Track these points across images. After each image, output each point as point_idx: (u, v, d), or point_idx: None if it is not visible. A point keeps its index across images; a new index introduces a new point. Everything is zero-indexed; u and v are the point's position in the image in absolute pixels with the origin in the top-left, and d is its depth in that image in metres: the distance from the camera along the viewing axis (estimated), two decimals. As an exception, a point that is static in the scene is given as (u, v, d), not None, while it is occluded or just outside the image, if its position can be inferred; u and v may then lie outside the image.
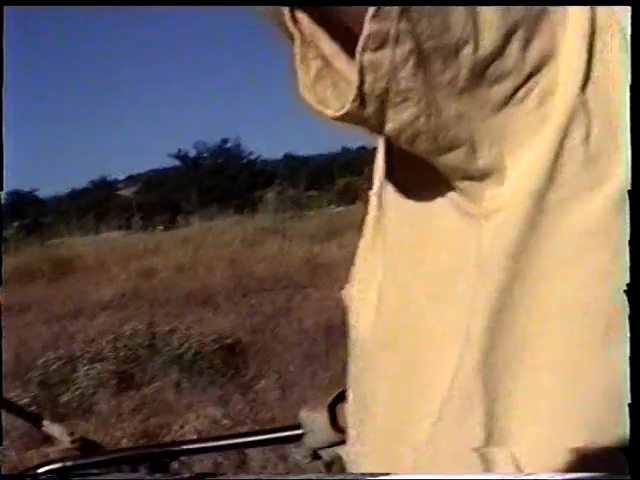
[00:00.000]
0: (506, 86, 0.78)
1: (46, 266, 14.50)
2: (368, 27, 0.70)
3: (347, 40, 0.77)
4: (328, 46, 0.80)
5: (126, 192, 45.29)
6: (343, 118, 0.77)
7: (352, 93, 0.74)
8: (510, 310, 0.85)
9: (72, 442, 2.08)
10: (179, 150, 39.70)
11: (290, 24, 0.79)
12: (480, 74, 0.76)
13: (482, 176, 0.84)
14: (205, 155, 39.56)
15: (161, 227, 25.27)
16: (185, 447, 1.98)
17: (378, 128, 0.79)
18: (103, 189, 45.05)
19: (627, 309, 0.76)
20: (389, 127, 0.78)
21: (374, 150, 1.10)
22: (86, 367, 7.38)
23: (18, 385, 7.20)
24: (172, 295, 11.18)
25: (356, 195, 23.75)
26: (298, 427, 1.60)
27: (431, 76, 0.75)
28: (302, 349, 7.62)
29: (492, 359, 0.86)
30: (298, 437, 1.63)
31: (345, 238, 13.68)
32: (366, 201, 1.13)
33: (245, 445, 2.12)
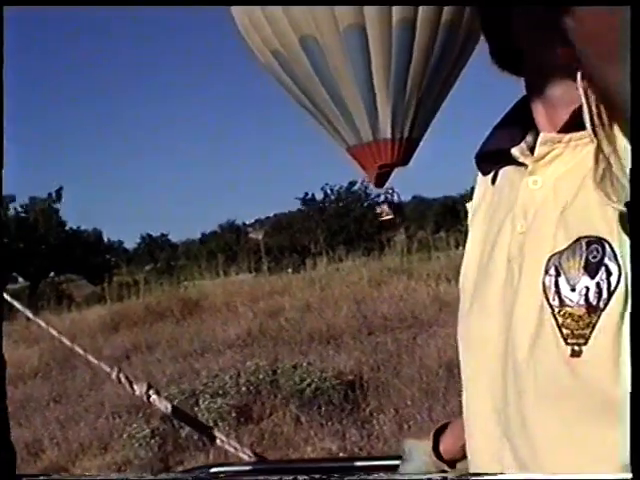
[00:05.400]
0: None
1: (175, 306, 14.75)
2: None
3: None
4: (607, 147, 0.86)
5: (255, 235, 45.94)
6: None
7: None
8: None
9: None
10: (306, 193, 40.01)
11: (597, 124, 0.85)
12: None
13: None
14: (332, 198, 39.73)
15: (290, 269, 25.45)
16: (346, 464, 2.05)
17: None
18: (231, 232, 45.77)
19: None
20: None
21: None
22: (207, 401, 7.44)
23: (140, 417, 7.32)
24: (297, 334, 11.20)
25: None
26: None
27: None
28: (422, 385, 7.53)
29: None
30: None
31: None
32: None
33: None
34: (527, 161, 1.12)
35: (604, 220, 0.96)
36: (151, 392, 2.59)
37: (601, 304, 0.94)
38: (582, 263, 0.98)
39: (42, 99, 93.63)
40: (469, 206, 1.36)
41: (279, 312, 13.00)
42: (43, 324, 3.25)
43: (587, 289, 0.96)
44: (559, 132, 1.07)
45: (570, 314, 0.97)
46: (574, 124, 1.02)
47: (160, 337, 12.36)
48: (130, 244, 51.12)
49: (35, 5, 1.64)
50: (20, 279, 32.53)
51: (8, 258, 28.29)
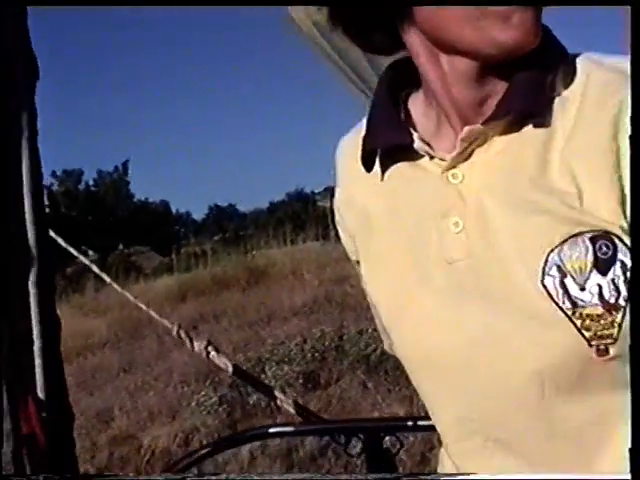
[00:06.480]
0: None
1: (242, 275, 14.80)
2: None
3: None
4: None
5: (323, 203, 46.01)
6: None
7: None
8: None
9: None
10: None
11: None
12: None
13: None
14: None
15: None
16: (398, 424, 2.05)
17: None
18: (300, 201, 45.84)
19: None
20: None
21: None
22: (273, 368, 7.47)
23: (208, 386, 7.37)
24: (363, 300, 11.12)
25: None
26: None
27: None
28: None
29: None
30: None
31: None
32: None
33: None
34: (446, 157, 1.03)
35: (608, 211, 0.91)
36: (210, 348, 2.58)
37: (621, 301, 0.89)
38: (590, 260, 0.91)
39: (106, 75, 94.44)
40: (340, 207, 1.25)
41: (345, 279, 12.94)
42: (119, 289, 3.28)
43: (600, 287, 0.90)
44: (483, 124, 0.99)
45: (588, 315, 0.91)
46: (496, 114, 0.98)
47: (227, 306, 12.41)
48: (198, 215, 51.63)
49: (35, 5, 1.59)
50: (90, 252, 33.06)
51: (75, 231, 28.75)
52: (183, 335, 2.52)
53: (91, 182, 36.20)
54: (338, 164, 1.25)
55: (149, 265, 29.61)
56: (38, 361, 1.67)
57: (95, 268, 3.01)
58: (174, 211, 43.15)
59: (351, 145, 1.18)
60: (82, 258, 2.96)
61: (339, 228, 1.27)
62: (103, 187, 35.37)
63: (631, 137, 0.73)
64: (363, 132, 1.12)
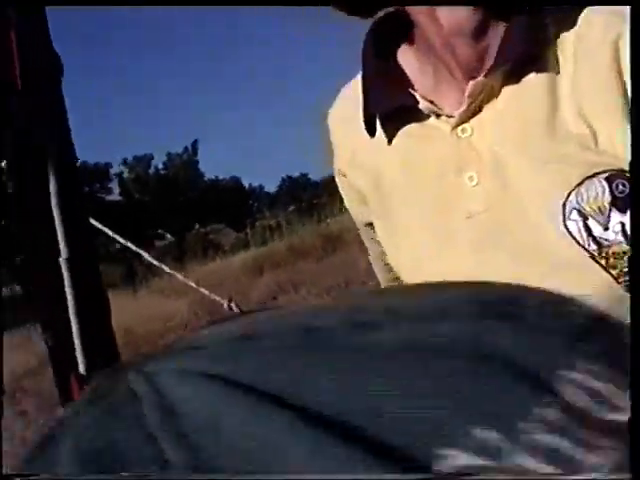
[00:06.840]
0: None
1: (318, 243, 14.85)
2: None
3: None
4: None
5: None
6: None
7: None
8: None
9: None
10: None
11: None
12: None
13: None
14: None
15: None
16: None
17: None
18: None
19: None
20: None
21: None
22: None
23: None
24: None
25: None
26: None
27: None
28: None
29: None
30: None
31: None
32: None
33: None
34: (454, 113, 1.02)
35: (623, 148, 0.91)
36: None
37: None
38: (608, 200, 0.92)
39: (167, 60, 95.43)
40: (346, 170, 1.22)
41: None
42: (167, 269, 3.28)
43: (622, 224, 0.92)
44: (485, 76, 0.99)
45: (614, 253, 0.92)
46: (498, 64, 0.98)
47: (305, 275, 12.46)
48: (271, 187, 51.84)
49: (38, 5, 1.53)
50: (168, 235, 33.52)
51: (150, 216, 29.14)
52: (234, 307, 2.52)
53: (160, 166, 36.72)
54: (333, 129, 1.24)
55: (228, 241, 29.94)
56: (77, 339, 1.64)
57: (143, 253, 3.01)
58: (247, 185, 43.53)
59: (345, 108, 1.19)
60: (130, 244, 2.94)
61: (345, 193, 1.25)
62: (173, 169, 35.79)
63: (632, 136, 0.71)
64: (360, 95, 1.10)
